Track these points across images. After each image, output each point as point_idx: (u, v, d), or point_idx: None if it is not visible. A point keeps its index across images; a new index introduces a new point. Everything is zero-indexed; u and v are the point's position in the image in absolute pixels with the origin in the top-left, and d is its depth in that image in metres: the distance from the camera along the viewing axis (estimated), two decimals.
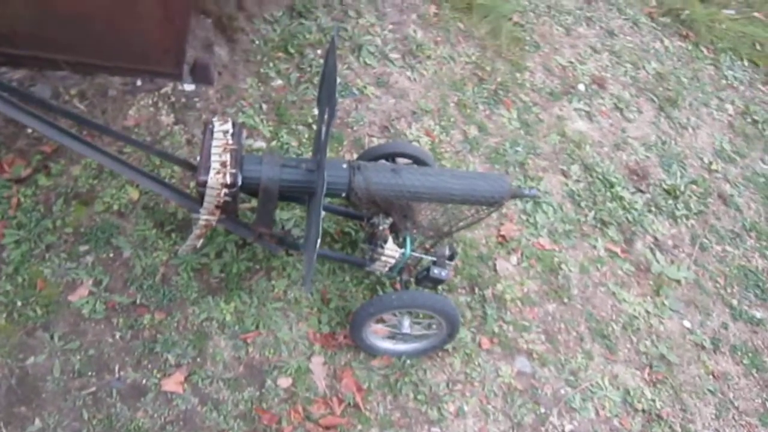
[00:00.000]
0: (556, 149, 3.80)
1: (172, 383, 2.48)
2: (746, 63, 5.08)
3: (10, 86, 2.48)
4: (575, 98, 4.12)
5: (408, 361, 2.76)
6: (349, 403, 2.61)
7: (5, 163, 2.74)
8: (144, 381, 2.46)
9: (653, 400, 3.01)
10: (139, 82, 3.04)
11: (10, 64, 2.89)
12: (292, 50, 3.52)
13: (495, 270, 3.17)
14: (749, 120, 4.64)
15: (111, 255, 2.68)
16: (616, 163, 3.88)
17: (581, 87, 4.23)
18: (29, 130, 2.77)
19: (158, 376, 2.48)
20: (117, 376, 2.45)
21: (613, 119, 4.14)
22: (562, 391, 2.91)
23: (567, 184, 3.66)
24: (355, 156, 3.14)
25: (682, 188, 3.91)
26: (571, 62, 4.36)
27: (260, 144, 3.13)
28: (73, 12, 2.65)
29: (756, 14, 5.41)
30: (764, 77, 5.06)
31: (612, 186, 3.73)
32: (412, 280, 2.73)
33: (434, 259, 2.61)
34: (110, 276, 2.62)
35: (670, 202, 3.83)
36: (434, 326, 2.70)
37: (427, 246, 2.73)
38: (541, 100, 4.03)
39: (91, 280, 2.60)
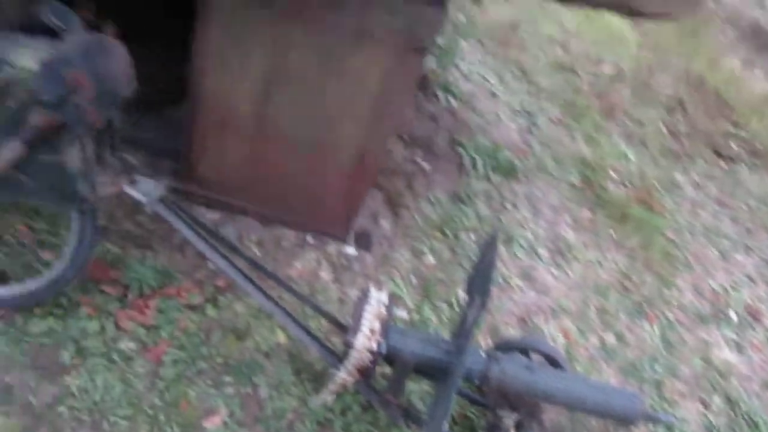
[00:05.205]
0: (697, 375, 3.64)
1: None
2: None
3: (204, 224, 2.90)
4: (725, 325, 3.98)
5: None
6: None
7: (183, 290, 3.10)
8: None
9: None
10: (309, 239, 3.40)
11: (208, 206, 3.36)
12: (448, 232, 3.78)
13: None
14: None
15: (249, 391, 2.87)
16: (766, 404, 3.62)
17: (733, 315, 4.09)
18: (210, 264, 3.15)
19: None
20: None
21: (766, 355, 3.92)
22: None
23: (706, 415, 3.45)
24: (489, 342, 3.22)
25: None
26: (724, 287, 4.26)
27: (402, 313, 3.31)
28: (277, 173, 3.10)
29: None
30: None
31: (757, 427, 3.47)
32: None
33: None
34: (244, 411, 2.79)
35: None
36: None
37: None
38: (687, 320, 3.94)
39: (226, 411, 2.78)
